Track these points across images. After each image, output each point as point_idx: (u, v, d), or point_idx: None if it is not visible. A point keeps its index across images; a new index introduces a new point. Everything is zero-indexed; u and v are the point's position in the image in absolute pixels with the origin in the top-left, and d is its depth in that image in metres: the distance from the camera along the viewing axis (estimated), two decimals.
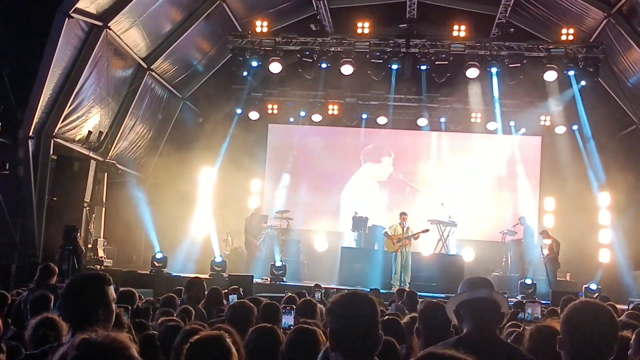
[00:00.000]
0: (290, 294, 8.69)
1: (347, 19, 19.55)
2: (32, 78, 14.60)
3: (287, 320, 5.30)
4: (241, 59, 19.51)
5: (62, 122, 15.81)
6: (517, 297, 16.19)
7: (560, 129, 20.75)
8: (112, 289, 3.53)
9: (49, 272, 8.31)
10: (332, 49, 19.19)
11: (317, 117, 21.78)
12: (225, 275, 16.97)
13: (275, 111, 21.87)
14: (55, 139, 15.86)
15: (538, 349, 4.15)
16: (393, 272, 17.45)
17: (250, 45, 19.24)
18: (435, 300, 4.62)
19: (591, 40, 18.53)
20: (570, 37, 18.22)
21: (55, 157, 16.45)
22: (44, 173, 15.70)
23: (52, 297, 6.35)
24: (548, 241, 18.27)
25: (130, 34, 17.07)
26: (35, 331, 4.29)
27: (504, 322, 4.54)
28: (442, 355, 2.29)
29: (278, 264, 17.70)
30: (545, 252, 18.04)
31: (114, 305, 3.53)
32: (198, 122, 22.56)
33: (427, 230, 18.18)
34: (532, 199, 21.54)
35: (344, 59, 18.94)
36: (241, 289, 10.25)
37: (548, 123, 20.99)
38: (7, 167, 15.57)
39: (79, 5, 14.41)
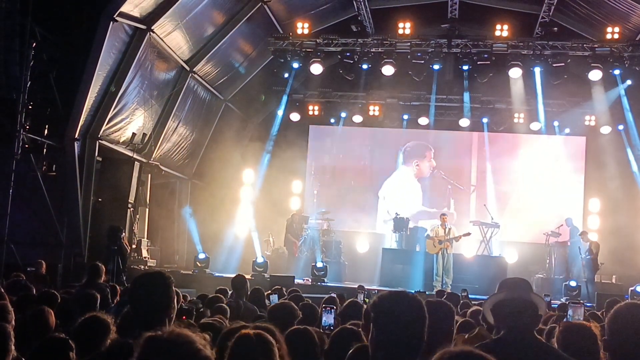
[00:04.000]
0: (332, 294, 8.72)
1: (388, 20, 19.49)
2: (78, 81, 14.83)
3: (327, 319, 5.31)
4: (282, 60, 19.59)
5: (106, 124, 16.02)
6: (562, 299, 15.94)
7: (606, 129, 20.45)
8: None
9: (98, 271, 8.47)
10: (373, 49, 19.16)
11: (357, 118, 21.79)
12: (266, 275, 17.07)
13: (316, 112, 21.93)
14: (100, 141, 16.08)
15: (569, 347, 4.12)
16: (434, 274, 17.38)
17: (291, 47, 19.32)
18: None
19: (637, 38, 18.18)
20: (616, 36, 17.92)
21: (100, 159, 16.69)
22: (89, 174, 15.91)
23: (99, 296, 6.44)
24: (587, 243, 17.98)
25: (173, 37, 17.24)
26: (80, 328, 4.35)
27: (541, 324, 4.49)
28: (460, 353, 2.25)
29: (319, 264, 17.71)
30: (584, 254, 17.76)
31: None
32: (240, 123, 22.69)
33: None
34: (576, 200, 21.22)
35: (385, 60, 18.91)
36: (284, 289, 10.31)
37: (593, 123, 20.71)
38: (54, 169, 15.92)
39: (123, 9, 14.59)
